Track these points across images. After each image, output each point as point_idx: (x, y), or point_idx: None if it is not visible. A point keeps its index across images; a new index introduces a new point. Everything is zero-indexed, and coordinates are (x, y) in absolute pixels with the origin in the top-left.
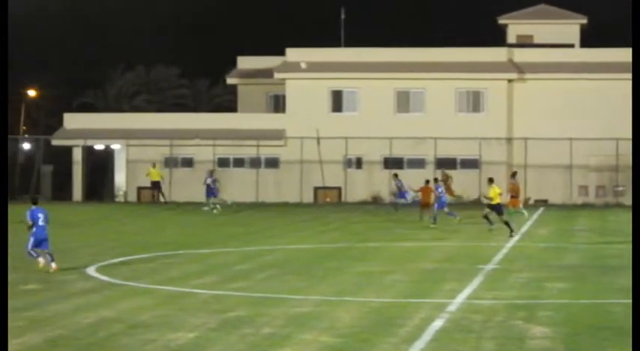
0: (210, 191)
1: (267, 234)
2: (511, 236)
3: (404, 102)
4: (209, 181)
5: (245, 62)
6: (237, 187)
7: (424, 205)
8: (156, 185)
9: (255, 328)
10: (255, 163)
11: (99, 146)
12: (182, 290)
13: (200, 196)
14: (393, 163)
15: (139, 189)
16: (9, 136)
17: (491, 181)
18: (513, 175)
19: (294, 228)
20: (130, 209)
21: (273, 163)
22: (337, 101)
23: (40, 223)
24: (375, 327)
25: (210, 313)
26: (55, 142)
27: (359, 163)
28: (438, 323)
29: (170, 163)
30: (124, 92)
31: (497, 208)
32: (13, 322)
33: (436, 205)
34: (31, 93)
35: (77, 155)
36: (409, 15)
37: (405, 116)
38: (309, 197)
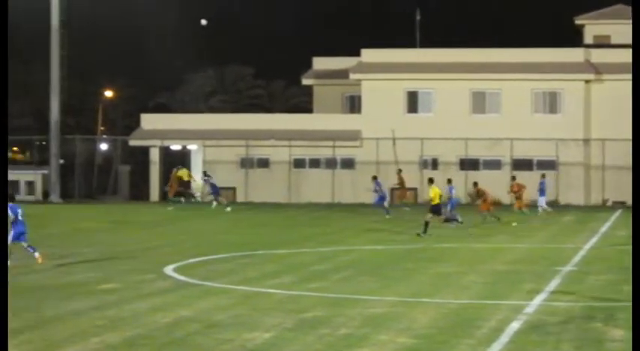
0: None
1: (343, 235)
2: (419, 235)
3: (480, 103)
4: (212, 180)
5: (320, 63)
6: (313, 187)
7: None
8: (187, 185)
9: (331, 329)
10: (330, 163)
11: (175, 147)
12: (258, 290)
13: (276, 196)
14: (468, 164)
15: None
16: (87, 137)
17: (431, 181)
18: (513, 178)
19: (369, 229)
20: (207, 209)
21: (349, 163)
22: (413, 102)
23: (20, 217)
24: (451, 328)
25: (287, 313)
26: (132, 143)
27: (435, 164)
28: (515, 325)
29: (246, 163)
30: (200, 93)
31: (436, 209)
32: (92, 321)
33: (449, 207)
34: (109, 94)
35: (154, 155)
36: (485, 15)
37: (480, 117)
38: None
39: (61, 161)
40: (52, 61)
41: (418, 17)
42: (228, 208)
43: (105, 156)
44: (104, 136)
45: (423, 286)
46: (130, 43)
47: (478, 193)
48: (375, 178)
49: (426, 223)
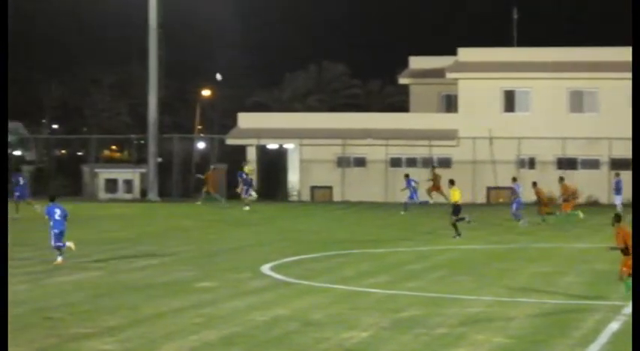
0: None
1: (439, 234)
2: (454, 237)
3: (577, 102)
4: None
5: (417, 62)
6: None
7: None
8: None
9: (428, 328)
10: (427, 163)
11: (272, 145)
12: (355, 289)
13: (373, 195)
14: (566, 164)
15: (313, 188)
16: (185, 136)
17: (452, 183)
18: (561, 179)
19: (466, 228)
20: (304, 208)
21: (445, 163)
22: (509, 101)
23: (57, 217)
24: (549, 328)
25: (384, 313)
26: (229, 142)
27: (532, 163)
28: (614, 326)
29: (342, 162)
30: (296, 92)
31: (457, 209)
32: (189, 319)
33: (514, 206)
34: (206, 93)
35: (251, 154)
36: (582, 14)
37: (578, 116)
38: (481, 197)
39: (159, 160)
40: (149, 60)
41: (515, 16)
42: (247, 207)
43: (202, 155)
44: (201, 135)
45: (519, 285)
46: (228, 42)
47: (538, 195)
48: (407, 176)
49: (454, 225)
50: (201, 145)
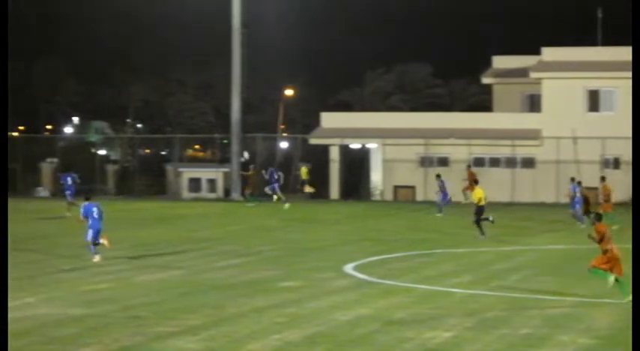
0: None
1: (522, 234)
2: (476, 237)
3: None
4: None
5: (500, 62)
6: (493, 186)
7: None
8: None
9: (512, 329)
10: (510, 162)
11: (355, 145)
12: (438, 289)
13: (456, 195)
14: None
15: (395, 187)
16: (268, 135)
17: (476, 182)
18: (603, 179)
19: (549, 228)
20: (386, 208)
21: (529, 163)
22: (594, 101)
23: (95, 216)
24: None
25: (467, 313)
26: (312, 141)
27: (616, 163)
28: None
29: (425, 162)
30: (379, 92)
31: (480, 210)
32: (272, 318)
33: (577, 206)
34: (289, 92)
35: (334, 154)
36: None
37: None
38: (565, 197)
39: (242, 159)
40: (233, 60)
41: (600, 15)
42: (250, 204)
43: (285, 154)
44: (284, 135)
45: (603, 286)
46: (311, 42)
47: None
48: (438, 176)
49: (478, 225)
50: (284, 144)
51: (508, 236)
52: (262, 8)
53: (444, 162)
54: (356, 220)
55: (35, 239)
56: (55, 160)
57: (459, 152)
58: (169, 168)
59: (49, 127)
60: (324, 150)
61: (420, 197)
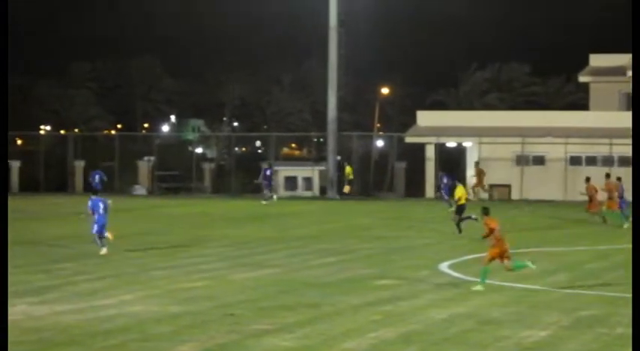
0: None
1: (618, 233)
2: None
3: None
4: (268, 172)
5: (597, 60)
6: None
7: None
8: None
9: (608, 328)
10: (607, 161)
11: (451, 144)
12: (534, 288)
13: (552, 193)
14: None
15: (491, 186)
16: (364, 134)
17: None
18: (607, 175)
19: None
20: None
21: (626, 161)
22: None
23: (100, 211)
24: None
25: (563, 312)
26: (408, 140)
27: None
28: None
29: (521, 160)
30: (475, 90)
31: (460, 208)
32: (368, 316)
33: (622, 204)
34: (385, 91)
35: (429, 152)
36: None
37: None
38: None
39: (338, 158)
40: (329, 59)
41: None
42: (264, 202)
43: (381, 152)
44: (380, 133)
45: None
46: (407, 41)
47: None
48: (447, 173)
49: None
50: (380, 143)
51: (604, 235)
52: (359, 6)
53: (540, 160)
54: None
55: (130, 237)
56: (152, 158)
57: (556, 151)
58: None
59: (145, 125)
60: (420, 148)
61: (515, 196)
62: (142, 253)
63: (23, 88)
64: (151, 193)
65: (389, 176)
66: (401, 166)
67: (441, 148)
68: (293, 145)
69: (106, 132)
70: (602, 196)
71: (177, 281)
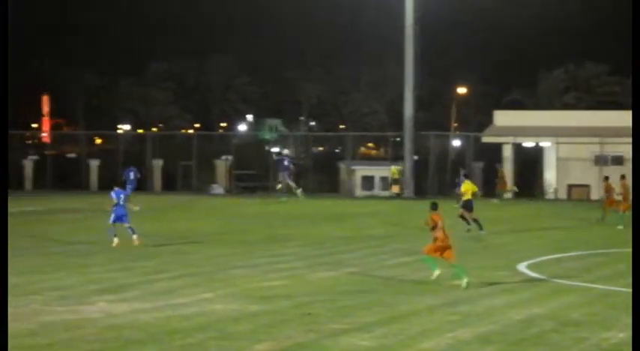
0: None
1: None
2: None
3: None
4: (286, 161)
5: None
6: None
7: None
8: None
9: None
10: None
11: (528, 143)
12: (614, 289)
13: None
14: None
15: (570, 186)
16: (441, 133)
17: (466, 176)
18: (622, 177)
19: None
20: (561, 206)
21: None
22: None
23: (120, 202)
24: None
25: None
26: (485, 139)
27: None
28: None
29: (600, 161)
30: (553, 90)
31: (468, 204)
32: (445, 316)
33: None
34: (462, 90)
35: (507, 152)
36: None
37: None
38: None
39: (415, 157)
40: (406, 58)
41: None
42: (284, 198)
43: (458, 152)
44: (457, 133)
45: None
46: (484, 39)
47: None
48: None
49: (475, 220)
50: (456, 142)
51: None
52: (436, 5)
53: (618, 161)
54: (530, 218)
55: (209, 236)
56: (230, 157)
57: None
58: (342, 166)
59: (223, 124)
60: (497, 148)
61: (594, 196)
62: (221, 251)
63: (103, 89)
64: (228, 192)
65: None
66: (478, 166)
67: (518, 148)
68: (370, 144)
69: (183, 131)
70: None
71: (255, 280)
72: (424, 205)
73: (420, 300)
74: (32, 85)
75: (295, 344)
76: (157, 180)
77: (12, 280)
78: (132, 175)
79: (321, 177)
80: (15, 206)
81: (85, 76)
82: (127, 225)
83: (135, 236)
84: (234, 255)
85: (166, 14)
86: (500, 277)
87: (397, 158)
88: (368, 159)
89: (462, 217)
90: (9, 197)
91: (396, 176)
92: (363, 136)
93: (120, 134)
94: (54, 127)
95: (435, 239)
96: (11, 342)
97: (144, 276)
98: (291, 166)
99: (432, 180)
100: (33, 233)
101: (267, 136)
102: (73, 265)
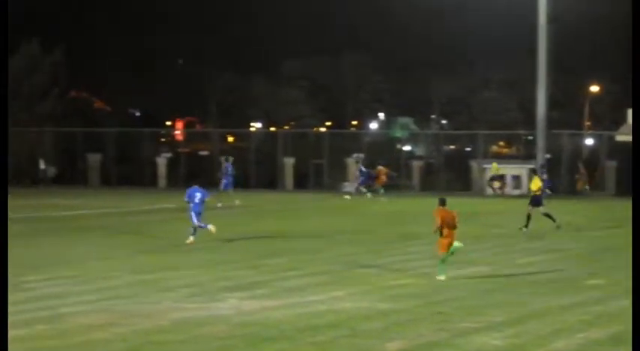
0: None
1: None
2: (520, 229)
3: None
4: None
5: None
6: None
7: None
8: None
9: None
10: None
11: None
12: None
13: None
14: None
15: None
16: (574, 132)
17: (534, 172)
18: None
19: None
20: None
21: None
22: None
23: (196, 200)
24: None
25: None
26: (618, 138)
27: None
28: None
29: None
30: None
31: (536, 200)
32: (577, 316)
33: None
34: (594, 88)
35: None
36: None
37: None
38: None
39: (547, 156)
40: (539, 56)
41: None
42: (347, 197)
43: (591, 151)
44: (590, 132)
45: None
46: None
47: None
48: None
49: (528, 216)
50: (589, 141)
51: None
52: (570, 3)
53: None
54: None
55: (341, 234)
56: (362, 155)
57: None
58: (473, 164)
59: (354, 122)
60: (632, 147)
61: None
62: (351, 249)
63: (237, 88)
64: (357, 190)
65: (599, 175)
66: (612, 165)
67: None
68: (501, 143)
69: (315, 129)
70: None
71: (386, 278)
72: (555, 204)
73: (551, 299)
74: (174, 84)
75: (427, 343)
76: (289, 178)
77: (146, 277)
78: (229, 170)
79: (452, 175)
80: (149, 204)
81: (220, 74)
82: (196, 223)
83: (192, 237)
84: (365, 253)
85: (300, 13)
86: (630, 278)
87: (529, 157)
88: (499, 157)
89: (546, 214)
90: (143, 194)
91: (495, 172)
92: (494, 135)
93: (252, 132)
94: (187, 125)
95: (445, 235)
96: (142, 339)
97: (274, 273)
98: (370, 171)
99: (564, 179)
100: (167, 230)
101: (399, 134)
102: (205, 262)
